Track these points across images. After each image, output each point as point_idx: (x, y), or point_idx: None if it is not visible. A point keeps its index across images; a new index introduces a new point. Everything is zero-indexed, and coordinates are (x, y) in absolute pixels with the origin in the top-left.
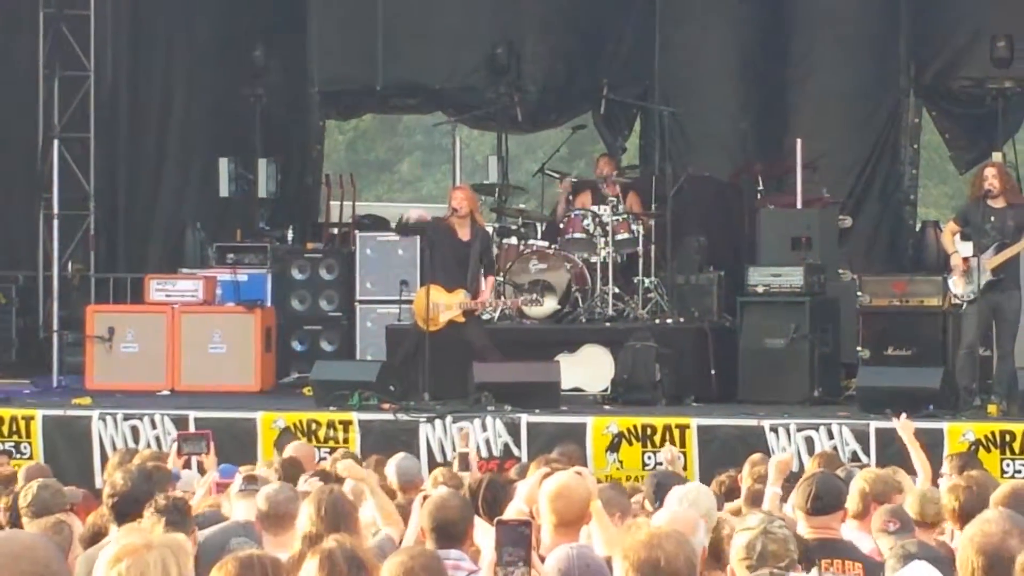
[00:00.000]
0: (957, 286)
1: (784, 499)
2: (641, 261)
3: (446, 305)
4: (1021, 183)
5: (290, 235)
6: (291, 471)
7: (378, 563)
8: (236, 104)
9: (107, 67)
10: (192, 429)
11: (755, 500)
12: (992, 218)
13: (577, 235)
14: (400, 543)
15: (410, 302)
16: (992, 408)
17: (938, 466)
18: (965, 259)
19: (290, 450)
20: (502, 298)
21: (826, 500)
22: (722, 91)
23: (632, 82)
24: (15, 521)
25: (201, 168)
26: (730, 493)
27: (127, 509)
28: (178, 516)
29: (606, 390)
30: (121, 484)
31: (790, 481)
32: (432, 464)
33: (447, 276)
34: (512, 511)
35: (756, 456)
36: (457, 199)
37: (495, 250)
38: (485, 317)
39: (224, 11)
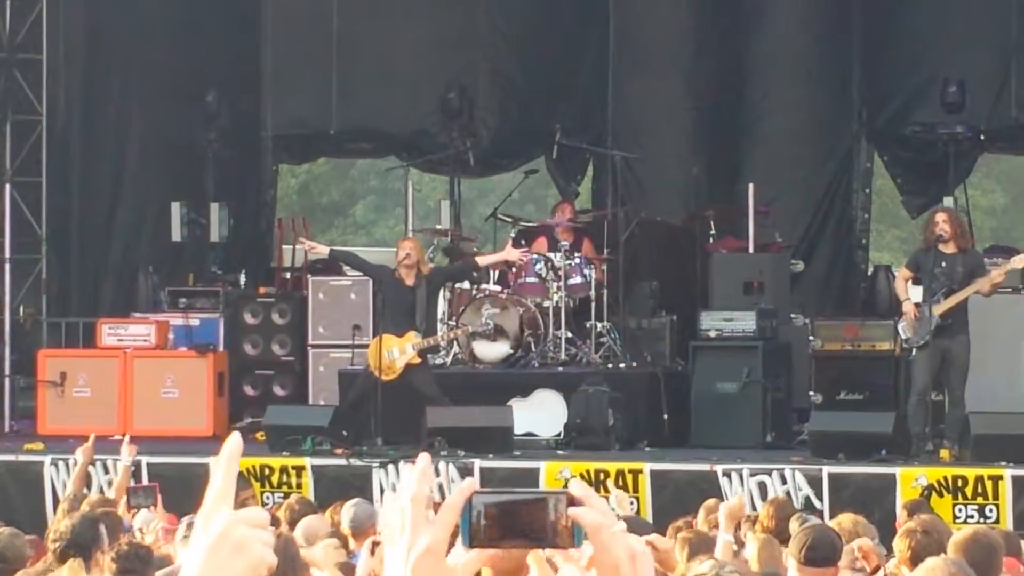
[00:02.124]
0: (907, 332)
1: (740, 545)
2: (594, 305)
3: (400, 350)
4: (972, 228)
5: (243, 279)
6: None
7: None
8: (189, 148)
9: (59, 111)
10: (144, 480)
11: (709, 548)
12: (943, 263)
13: (530, 279)
14: None
15: (363, 347)
16: (944, 453)
17: (890, 513)
18: (916, 305)
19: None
20: (453, 330)
21: (819, 552)
22: (675, 136)
23: (585, 126)
24: None
25: (154, 212)
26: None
27: (71, 555)
28: (137, 564)
29: (559, 435)
30: (64, 530)
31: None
32: None
33: (395, 323)
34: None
35: (711, 502)
36: (405, 248)
37: (448, 295)
38: (438, 361)
39: (177, 55)
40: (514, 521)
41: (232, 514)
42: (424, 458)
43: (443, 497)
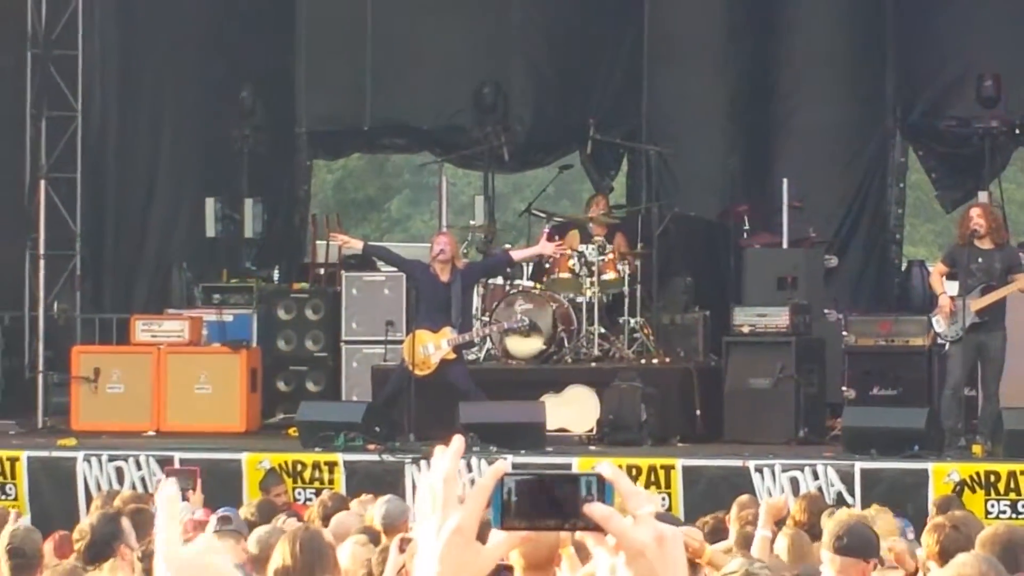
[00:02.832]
0: (941, 326)
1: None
2: (627, 301)
3: (435, 345)
4: (1008, 222)
5: (276, 275)
6: (266, 511)
7: None
8: (223, 144)
9: (95, 108)
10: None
11: (745, 543)
12: (979, 259)
13: (563, 275)
14: None
15: (396, 343)
16: (977, 448)
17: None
18: (952, 299)
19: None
20: (488, 326)
21: (852, 541)
22: (709, 131)
23: (619, 121)
24: None
25: (188, 208)
26: (715, 533)
27: (95, 554)
28: None
29: (592, 430)
30: (87, 530)
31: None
32: None
33: (431, 319)
34: None
35: (744, 498)
36: (440, 243)
37: (482, 290)
38: (471, 357)
39: (212, 52)
40: (546, 499)
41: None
42: (458, 439)
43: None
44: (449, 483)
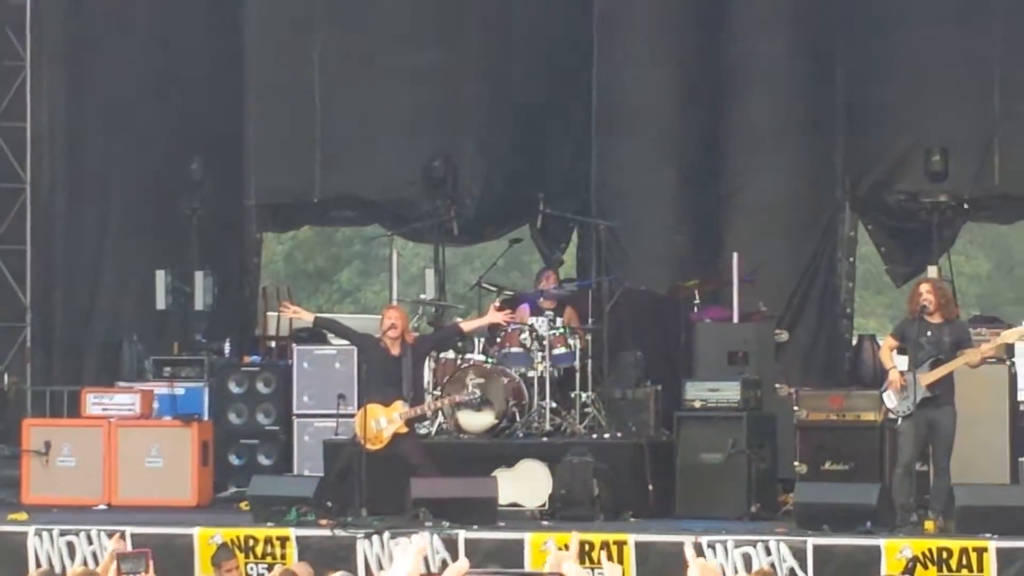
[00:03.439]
0: (892, 401)
1: None
2: (578, 375)
3: (387, 419)
4: (957, 295)
5: (227, 348)
6: None
7: None
8: (173, 216)
9: (43, 179)
10: (130, 547)
11: None
12: (928, 333)
13: (514, 349)
14: None
15: (348, 416)
16: (929, 524)
17: None
18: (902, 374)
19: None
20: (439, 400)
21: None
22: (659, 205)
23: (569, 195)
24: None
25: (138, 281)
26: None
27: None
28: None
29: (544, 505)
30: None
31: None
32: None
33: (382, 393)
34: None
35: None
36: (390, 318)
37: (433, 364)
38: (422, 431)
39: (161, 124)
40: None
41: None
42: (423, 538)
43: (428, 569)
44: None
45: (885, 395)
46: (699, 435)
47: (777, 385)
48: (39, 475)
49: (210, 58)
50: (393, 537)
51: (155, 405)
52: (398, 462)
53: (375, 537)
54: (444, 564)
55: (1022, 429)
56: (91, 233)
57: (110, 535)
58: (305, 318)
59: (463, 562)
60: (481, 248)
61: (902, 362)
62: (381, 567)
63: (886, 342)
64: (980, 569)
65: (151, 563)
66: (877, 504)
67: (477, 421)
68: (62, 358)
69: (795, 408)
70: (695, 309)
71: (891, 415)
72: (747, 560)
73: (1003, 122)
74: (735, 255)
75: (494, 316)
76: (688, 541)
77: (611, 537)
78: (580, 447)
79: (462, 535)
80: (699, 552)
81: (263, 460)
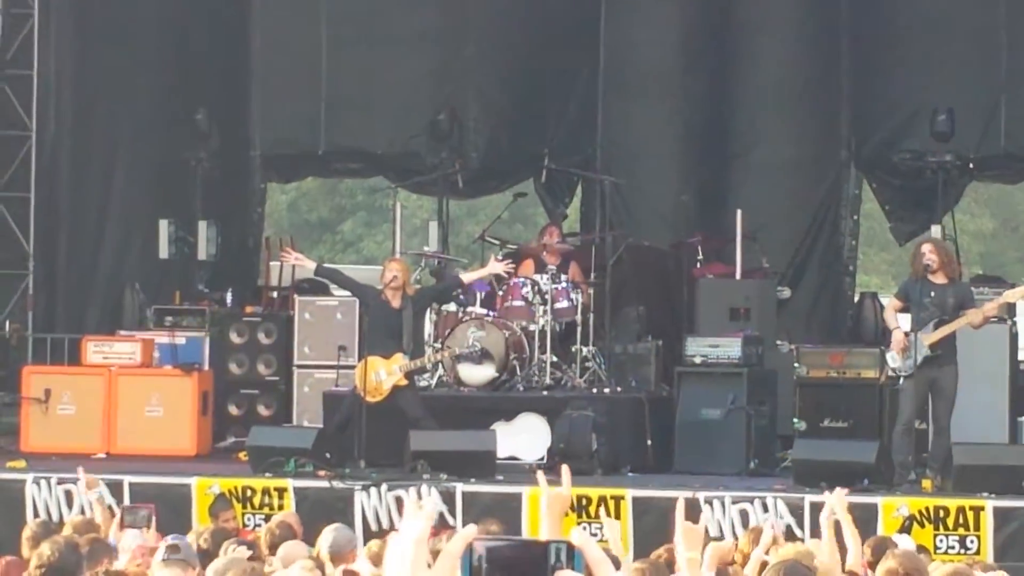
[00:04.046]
0: (895, 361)
1: None
2: (580, 330)
3: (387, 371)
4: (960, 256)
5: (229, 298)
6: (219, 540)
7: None
8: (177, 166)
9: (49, 127)
10: (128, 499)
11: None
12: (932, 294)
13: (516, 303)
14: None
15: (349, 368)
16: (927, 483)
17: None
18: (906, 334)
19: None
20: (440, 352)
21: None
22: (664, 161)
23: (574, 150)
24: None
25: (141, 230)
26: (670, 566)
27: None
28: None
29: (542, 459)
30: (48, 555)
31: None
32: (367, 533)
33: (382, 345)
34: None
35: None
36: (392, 270)
37: (434, 317)
38: (422, 384)
39: (167, 74)
40: (515, 566)
41: None
42: (432, 502)
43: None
44: (419, 545)
45: (889, 355)
46: (699, 391)
47: (778, 342)
48: (38, 423)
49: (217, 9)
50: (391, 489)
51: (156, 354)
52: (397, 414)
53: (373, 489)
54: (441, 516)
55: (1022, 389)
56: (95, 182)
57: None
58: (307, 265)
59: (471, 528)
60: (485, 200)
61: (905, 321)
62: (379, 519)
63: (890, 302)
64: (976, 528)
65: (153, 518)
66: (875, 462)
67: (477, 374)
68: (64, 306)
69: (795, 365)
70: (698, 265)
71: (891, 374)
72: (744, 516)
73: (1010, 82)
74: (739, 212)
75: (495, 267)
76: (681, 499)
77: (609, 492)
78: (580, 401)
79: (460, 488)
80: (693, 510)
81: (262, 410)
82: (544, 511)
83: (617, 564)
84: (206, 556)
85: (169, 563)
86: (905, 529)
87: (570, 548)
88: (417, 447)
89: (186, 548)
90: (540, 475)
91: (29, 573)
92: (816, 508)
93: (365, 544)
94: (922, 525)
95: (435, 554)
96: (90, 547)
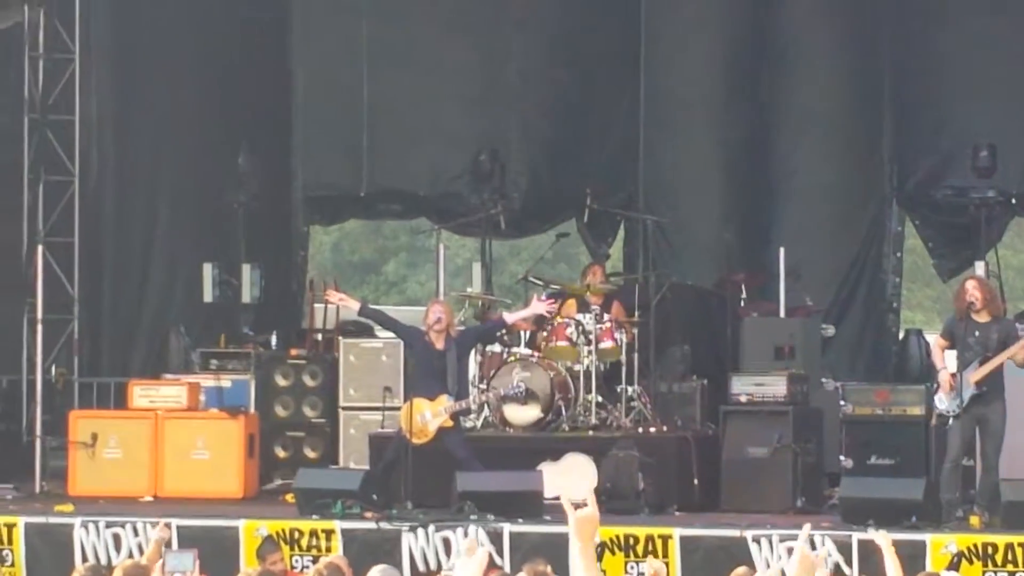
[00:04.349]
0: (943, 402)
1: None
2: (624, 369)
3: (433, 413)
4: (1004, 289)
5: (274, 341)
6: None
7: None
8: (220, 209)
9: (92, 171)
10: (176, 543)
11: None
12: (976, 332)
13: (560, 343)
14: None
15: (394, 409)
16: (975, 520)
17: None
18: (952, 376)
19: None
20: (485, 394)
21: None
22: (706, 199)
23: (616, 189)
24: None
25: (185, 273)
26: None
27: None
28: None
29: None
30: None
31: None
32: (415, 574)
33: (427, 387)
34: None
35: (741, 570)
36: (436, 312)
37: (479, 357)
38: (468, 425)
39: (209, 117)
40: None
41: None
42: (483, 551)
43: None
44: None
45: (936, 397)
46: (745, 429)
47: (823, 380)
48: (86, 467)
49: (258, 51)
50: (439, 531)
51: (202, 397)
52: (443, 456)
53: (420, 530)
54: (489, 557)
55: None
56: (139, 226)
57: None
58: (351, 305)
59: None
60: (528, 240)
61: (951, 359)
62: (426, 560)
63: (936, 342)
64: None
65: (198, 562)
66: (923, 499)
67: (523, 415)
68: (109, 350)
69: (841, 402)
70: (742, 303)
71: (942, 416)
72: (791, 555)
73: None
74: (781, 249)
75: (538, 307)
76: (806, 527)
77: (656, 531)
78: (626, 441)
79: (507, 528)
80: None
81: (309, 452)
82: (574, 534)
83: None
84: None
85: None
86: (954, 566)
87: None
88: (464, 488)
89: None
90: (564, 500)
91: None
92: (864, 546)
93: None
94: (971, 562)
95: None
96: None
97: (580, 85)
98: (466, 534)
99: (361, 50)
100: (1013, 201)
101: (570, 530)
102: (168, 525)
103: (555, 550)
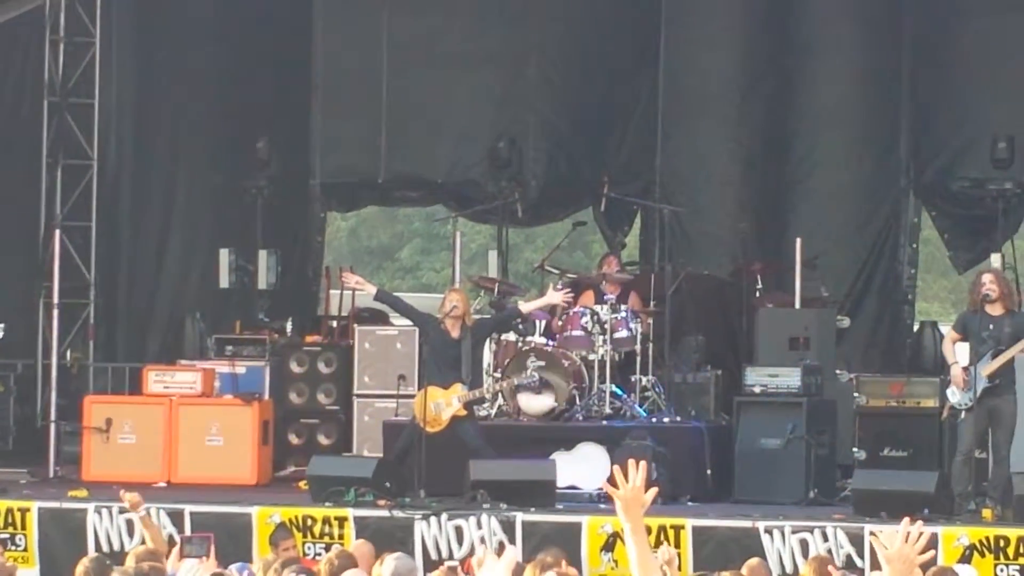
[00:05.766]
0: (955, 396)
1: None
2: (639, 359)
3: (446, 402)
4: (1020, 287)
5: (289, 327)
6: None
7: None
8: (237, 195)
9: (110, 156)
10: (189, 529)
11: None
12: (990, 326)
13: (575, 333)
14: None
15: (408, 397)
16: (987, 513)
17: None
18: (964, 369)
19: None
20: (499, 383)
21: None
22: (723, 190)
23: (633, 178)
24: None
25: (201, 259)
26: None
27: None
28: None
29: (602, 488)
30: None
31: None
32: (427, 562)
33: (441, 375)
34: None
35: (754, 561)
36: (452, 300)
37: (493, 346)
38: (482, 413)
39: (227, 103)
40: None
41: None
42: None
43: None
44: None
45: (948, 391)
46: (759, 420)
47: (838, 371)
48: (100, 452)
49: (278, 37)
50: (451, 519)
51: (216, 383)
52: (457, 444)
53: (433, 519)
54: (501, 546)
55: None
56: (156, 211)
57: (170, 513)
58: (368, 290)
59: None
60: (544, 227)
61: (963, 351)
62: (438, 549)
63: (948, 335)
64: None
65: (213, 547)
66: (935, 492)
67: (537, 404)
68: (125, 335)
69: (855, 394)
70: (757, 294)
71: (955, 409)
72: (804, 546)
73: None
74: (798, 240)
75: (553, 296)
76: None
77: (669, 521)
78: (639, 431)
79: (520, 517)
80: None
81: (323, 440)
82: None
83: None
84: None
85: None
86: (966, 559)
87: None
88: (477, 476)
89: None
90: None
91: None
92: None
93: (425, 574)
94: (983, 555)
95: None
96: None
97: (599, 75)
98: (479, 523)
99: (381, 39)
100: None
101: (618, 513)
102: (136, 499)
103: (567, 539)
